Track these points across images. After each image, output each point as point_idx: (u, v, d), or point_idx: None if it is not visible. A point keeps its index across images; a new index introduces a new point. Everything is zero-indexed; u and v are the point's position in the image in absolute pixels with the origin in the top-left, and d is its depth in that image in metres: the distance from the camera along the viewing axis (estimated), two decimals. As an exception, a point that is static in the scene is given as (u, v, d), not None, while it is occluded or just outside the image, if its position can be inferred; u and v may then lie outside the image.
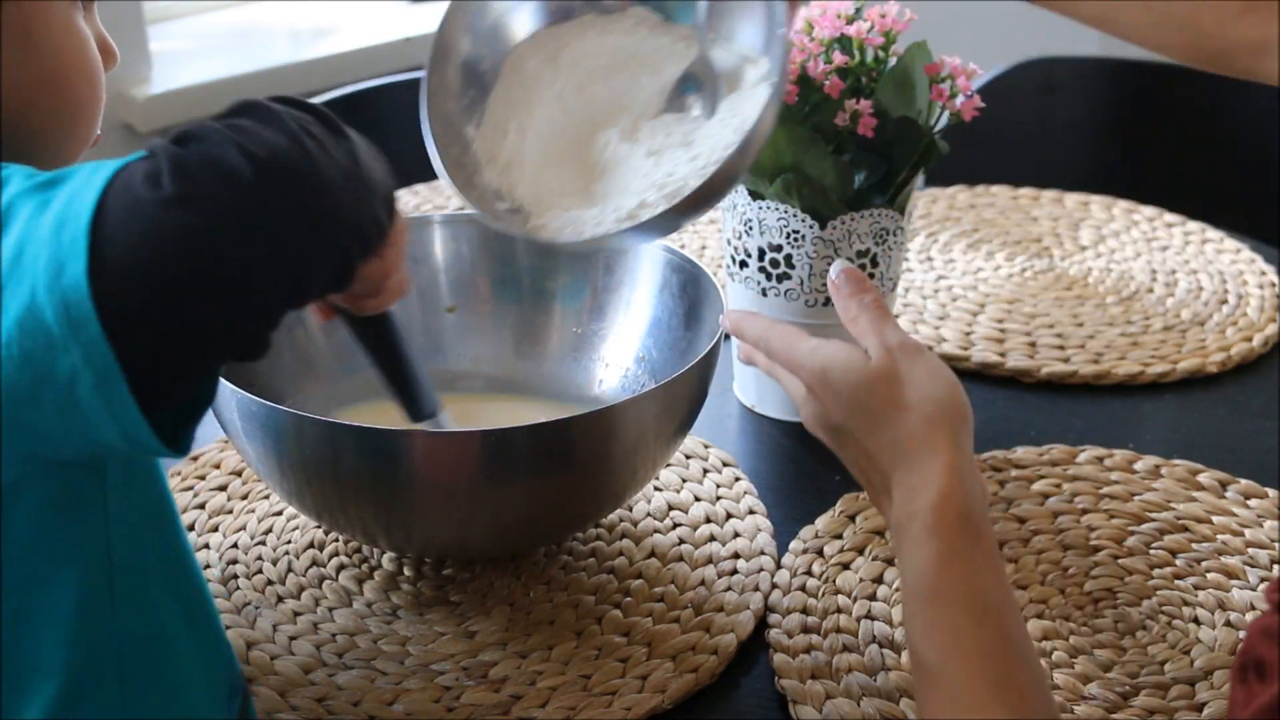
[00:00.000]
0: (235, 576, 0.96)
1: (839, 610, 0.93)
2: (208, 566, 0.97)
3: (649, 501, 1.03)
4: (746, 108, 0.86)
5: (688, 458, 1.07)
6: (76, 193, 0.56)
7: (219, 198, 0.56)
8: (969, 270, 1.36)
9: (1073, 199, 1.50)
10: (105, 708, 0.66)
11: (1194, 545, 0.99)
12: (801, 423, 0.84)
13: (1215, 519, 1.02)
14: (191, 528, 1.00)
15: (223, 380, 0.85)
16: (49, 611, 0.63)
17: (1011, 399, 1.18)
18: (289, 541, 0.99)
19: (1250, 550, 0.98)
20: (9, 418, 0.57)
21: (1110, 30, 0.96)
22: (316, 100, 0.94)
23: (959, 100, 1.04)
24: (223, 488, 1.05)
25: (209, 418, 0.90)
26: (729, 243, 1.10)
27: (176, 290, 0.56)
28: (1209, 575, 0.97)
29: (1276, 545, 0.98)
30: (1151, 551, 0.99)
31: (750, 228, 1.07)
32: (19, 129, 0.67)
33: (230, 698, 0.75)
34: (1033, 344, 1.24)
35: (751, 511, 1.02)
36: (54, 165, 0.69)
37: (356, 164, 0.62)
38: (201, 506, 1.03)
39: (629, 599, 0.94)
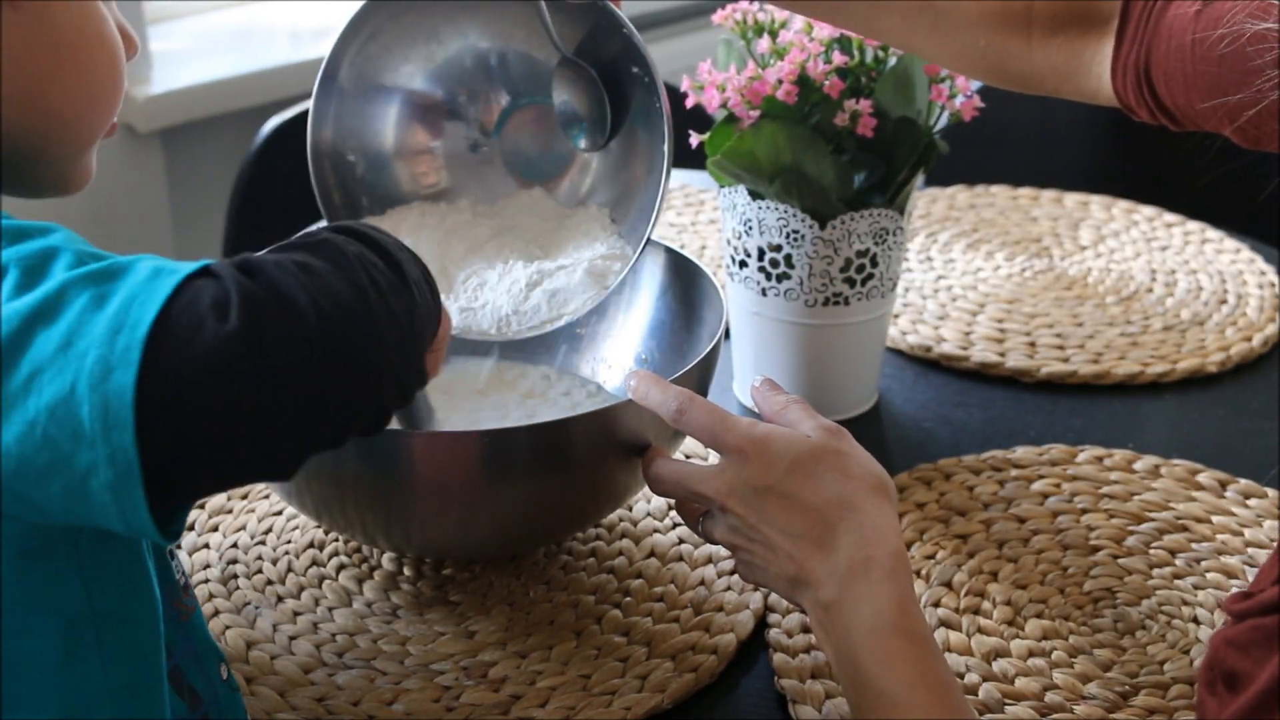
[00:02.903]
0: (235, 576, 0.96)
1: (839, 610, 0.93)
2: (208, 566, 0.97)
3: (649, 501, 1.03)
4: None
5: (687, 457, 1.07)
6: (137, 299, 0.57)
7: (283, 344, 0.57)
8: (969, 270, 1.36)
9: (1072, 199, 1.51)
10: None
11: (1193, 545, 0.99)
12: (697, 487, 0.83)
13: (1214, 519, 1.02)
14: (191, 527, 1.00)
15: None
16: (34, 659, 0.64)
17: (1011, 399, 1.18)
18: (289, 541, 0.99)
19: (1249, 550, 0.98)
20: (10, 488, 0.57)
21: (912, 53, 0.97)
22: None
23: (958, 100, 1.04)
24: (223, 487, 1.05)
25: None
26: (729, 243, 1.10)
27: (218, 420, 0.56)
28: (1208, 575, 0.97)
29: (1277, 544, 0.98)
30: (1151, 551, 0.99)
31: (750, 228, 1.07)
32: (38, 109, 0.66)
33: None
34: (1032, 344, 1.24)
35: (751, 511, 1.02)
36: (70, 150, 0.69)
37: (413, 320, 0.64)
38: (201, 506, 1.02)
39: (629, 599, 0.94)
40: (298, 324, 0.57)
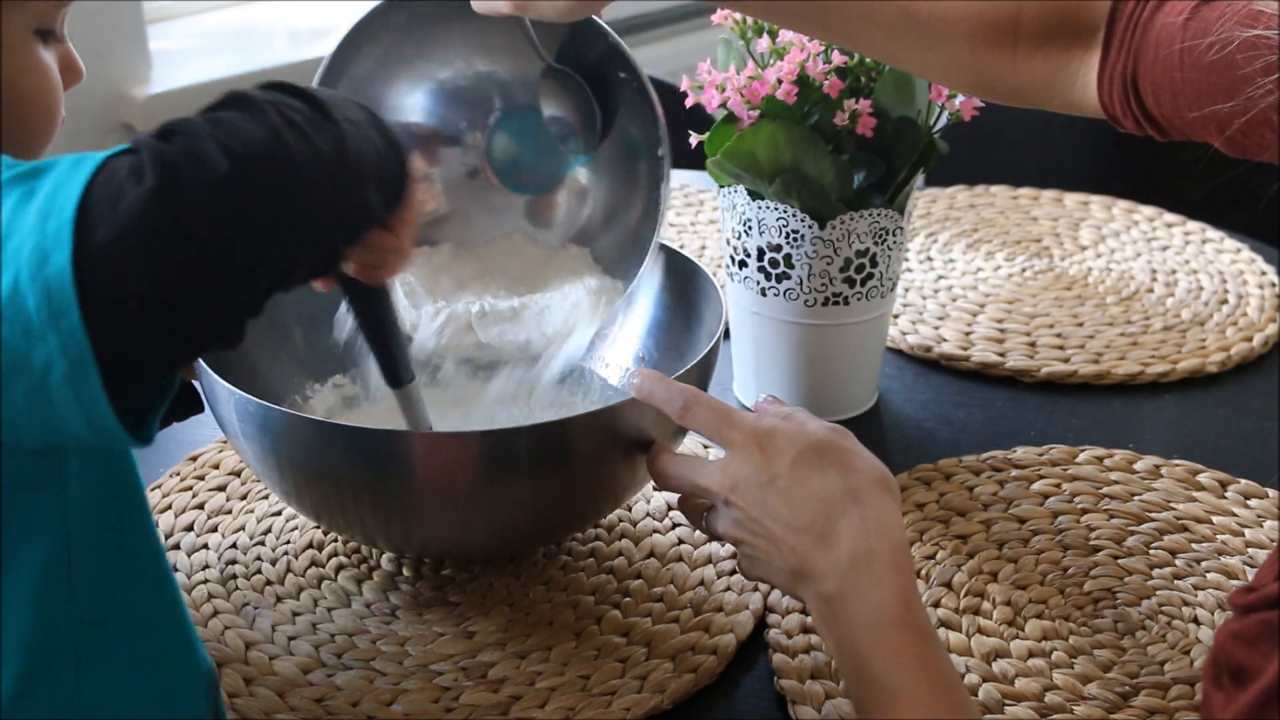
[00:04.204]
0: (234, 577, 0.96)
1: (838, 610, 0.92)
2: (206, 567, 0.97)
3: (648, 501, 1.03)
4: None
5: (687, 458, 1.07)
6: (61, 184, 0.57)
7: (197, 193, 0.57)
8: (969, 270, 1.36)
9: (1073, 199, 1.50)
10: (60, 692, 0.66)
11: (1194, 545, 0.99)
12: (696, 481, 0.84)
13: (1215, 519, 1.02)
14: (190, 528, 1.00)
15: (221, 380, 0.86)
16: (9, 592, 0.64)
17: (1011, 399, 1.18)
18: (288, 542, 0.99)
19: (1250, 550, 0.98)
20: None
21: (899, 67, 0.96)
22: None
23: (958, 100, 1.04)
24: (222, 488, 1.04)
25: (208, 418, 0.90)
26: (728, 243, 1.10)
27: (156, 282, 0.57)
28: (1209, 575, 0.96)
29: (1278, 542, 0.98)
30: (1151, 551, 0.99)
31: (749, 228, 1.07)
32: None
33: (205, 690, 0.75)
34: (1032, 344, 1.24)
35: (751, 511, 1.01)
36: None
37: (342, 151, 0.63)
38: (201, 506, 1.02)
39: (628, 599, 0.94)
40: (210, 170, 0.57)
